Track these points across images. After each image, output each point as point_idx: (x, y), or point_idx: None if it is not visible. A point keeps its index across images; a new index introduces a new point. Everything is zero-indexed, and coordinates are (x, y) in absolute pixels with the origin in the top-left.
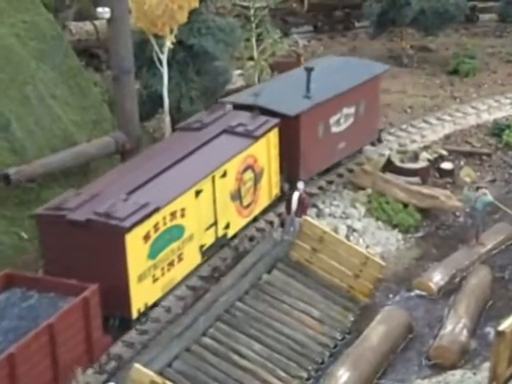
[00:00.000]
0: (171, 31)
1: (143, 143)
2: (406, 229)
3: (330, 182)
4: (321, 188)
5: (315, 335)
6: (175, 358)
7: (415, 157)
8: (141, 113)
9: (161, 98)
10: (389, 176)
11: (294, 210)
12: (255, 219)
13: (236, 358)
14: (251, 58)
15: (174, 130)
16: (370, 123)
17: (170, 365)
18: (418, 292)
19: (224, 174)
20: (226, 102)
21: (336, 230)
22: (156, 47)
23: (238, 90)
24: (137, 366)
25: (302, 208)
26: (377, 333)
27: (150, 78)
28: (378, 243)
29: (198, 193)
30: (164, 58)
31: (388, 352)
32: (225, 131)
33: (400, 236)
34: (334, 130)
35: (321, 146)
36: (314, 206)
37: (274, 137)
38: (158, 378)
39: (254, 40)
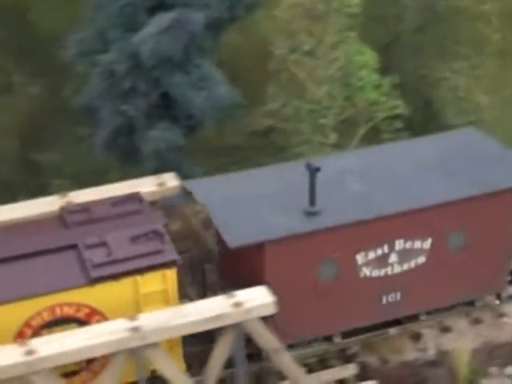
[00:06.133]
0: None
1: None
2: None
3: None
4: None
5: None
6: None
7: None
8: None
9: None
10: None
11: None
12: None
13: None
14: None
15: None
16: (476, 267)
17: None
18: None
19: None
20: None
21: None
22: None
23: None
24: None
25: None
26: None
27: None
28: None
29: None
30: None
31: None
32: (74, 248)
33: None
34: (369, 273)
35: (328, 299)
36: None
37: (155, 282)
38: None
39: None
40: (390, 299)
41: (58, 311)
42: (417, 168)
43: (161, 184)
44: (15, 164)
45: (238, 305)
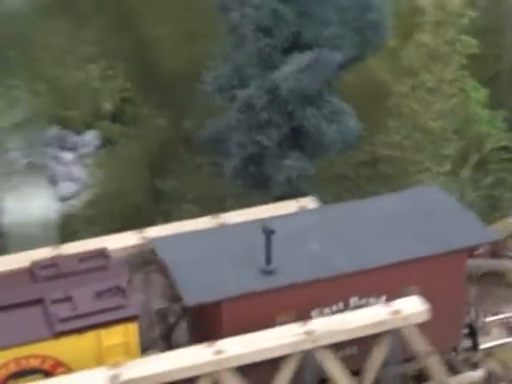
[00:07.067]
0: None
1: None
2: None
3: None
4: None
5: None
6: None
7: None
8: None
9: None
10: None
11: None
12: None
13: None
14: None
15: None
16: (431, 323)
17: None
18: None
19: None
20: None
21: None
22: None
23: None
24: None
25: None
26: None
27: None
28: None
29: None
30: None
31: None
32: (40, 302)
33: None
34: None
35: None
36: None
37: (118, 335)
38: None
39: None
40: (346, 353)
41: (24, 363)
42: (375, 226)
43: (302, 207)
44: (145, 191)
45: (397, 312)
